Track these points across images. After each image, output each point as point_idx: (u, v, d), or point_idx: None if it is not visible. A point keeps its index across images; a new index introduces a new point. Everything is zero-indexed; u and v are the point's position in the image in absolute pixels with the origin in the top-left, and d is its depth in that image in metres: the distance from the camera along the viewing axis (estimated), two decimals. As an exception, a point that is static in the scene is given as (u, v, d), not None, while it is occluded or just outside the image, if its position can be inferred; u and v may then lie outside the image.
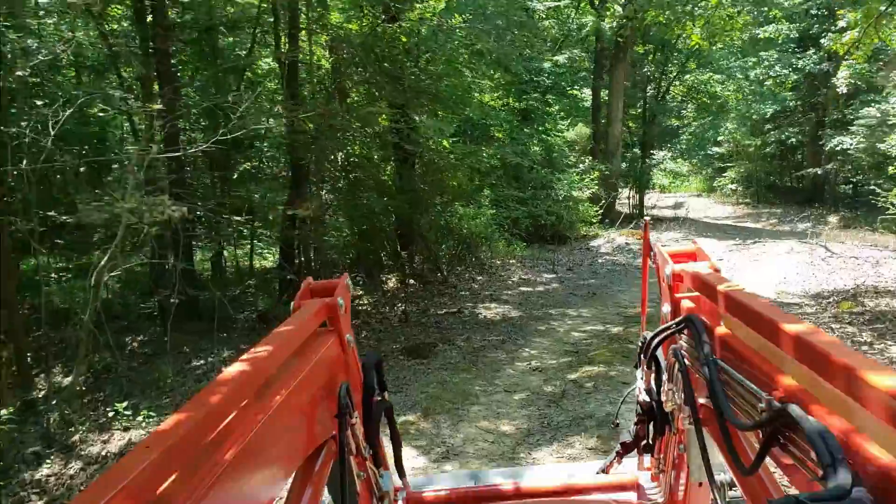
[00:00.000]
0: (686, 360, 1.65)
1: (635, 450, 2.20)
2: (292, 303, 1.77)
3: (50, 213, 7.79)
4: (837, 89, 19.88)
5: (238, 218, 11.54)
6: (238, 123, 7.04)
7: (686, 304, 1.79)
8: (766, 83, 22.95)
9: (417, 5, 12.15)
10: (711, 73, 24.01)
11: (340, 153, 10.73)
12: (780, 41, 21.89)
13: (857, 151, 19.32)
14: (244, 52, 10.67)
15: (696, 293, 1.77)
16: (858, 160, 20.12)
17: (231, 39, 11.14)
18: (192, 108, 9.06)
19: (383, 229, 12.38)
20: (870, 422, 0.91)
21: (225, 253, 12.66)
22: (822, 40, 18.63)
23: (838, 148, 19.84)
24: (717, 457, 1.52)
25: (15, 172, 7.06)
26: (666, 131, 26.02)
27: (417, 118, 10.47)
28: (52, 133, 6.75)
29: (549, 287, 12.67)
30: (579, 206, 17.78)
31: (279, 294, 10.62)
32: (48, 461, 6.10)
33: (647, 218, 2.84)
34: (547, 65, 18.04)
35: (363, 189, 11.36)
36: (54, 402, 7.14)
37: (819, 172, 22.01)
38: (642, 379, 2.09)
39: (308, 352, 1.57)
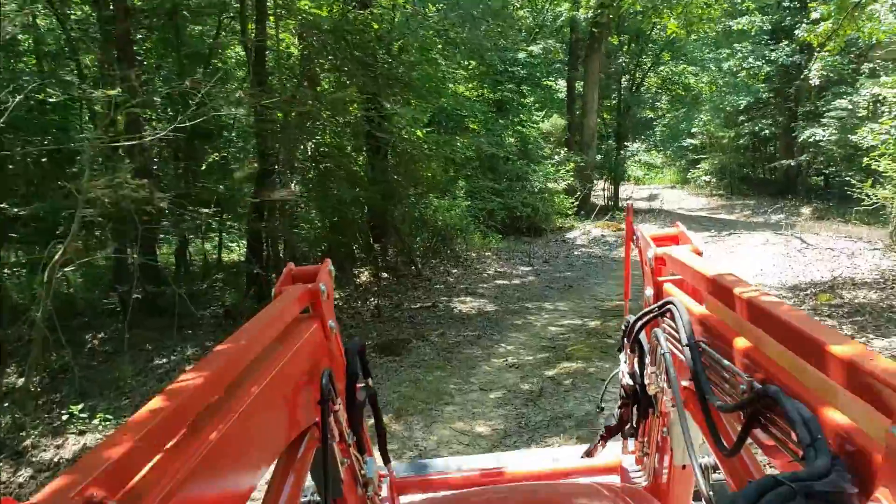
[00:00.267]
0: (669, 343, 1.63)
1: (619, 433, 2.22)
2: (273, 289, 1.74)
3: (1, 206, 7.36)
4: (810, 81, 19.98)
5: (206, 210, 11.20)
6: (198, 111, 6.66)
7: (669, 286, 1.80)
8: (739, 75, 22.97)
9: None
10: (685, 65, 23.97)
11: (310, 142, 10.38)
12: (753, 33, 21.90)
13: (829, 143, 19.41)
14: (210, 39, 10.29)
15: (679, 276, 1.78)
16: (830, 152, 20.22)
17: (199, 28, 10.77)
18: (152, 95, 8.63)
19: (355, 221, 12.07)
20: (849, 402, 0.91)
21: (192, 247, 12.31)
22: (797, 31, 18.62)
23: (811, 140, 19.91)
24: (701, 439, 1.53)
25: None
26: (640, 123, 25.97)
27: (389, 106, 10.14)
28: (1, 120, 6.34)
29: (525, 280, 12.46)
30: (555, 197, 17.65)
31: (246, 289, 10.26)
32: (-5, 468, 5.74)
33: (630, 202, 2.88)
34: (522, 55, 17.80)
35: (334, 180, 11.03)
36: (6, 404, 6.76)
37: (792, 164, 22.10)
38: (626, 362, 2.07)
39: (290, 338, 1.54)
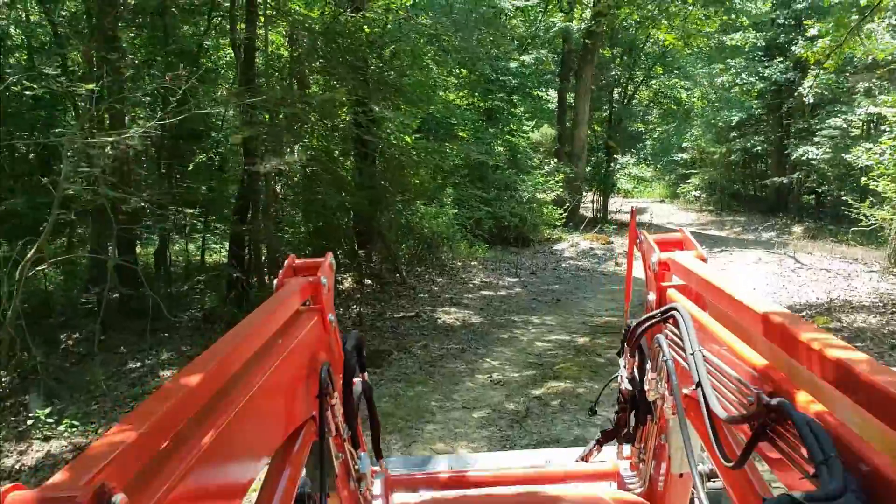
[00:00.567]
0: (671, 350, 1.60)
1: (616, 438, 2.22)
2: (275, 280, 1.76)
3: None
4: (804, 99, 19.97)
5: (191, 210, 10.95)
6: (179, 108, 6.42)
7: (672, 292, 1.78)
8: (732, 91, 22.94)
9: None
10: (678, 79, 23.92)
11: (297, 145, 10.14)
12: (746, 49, 21.91)
13: (822, 162, 19.36)
14: (199, 38, 10.07)
15: (683, 282, 1.77)
16: (823, 170, 20.18)
17: (188, 27, 10.56)
18: (136, 92, 8.38)
19: (340, 226, 11.84)
20: (862, 419, 0.88)
21: (176, 247, 12.05)
22: (793, 48, 18.61)
23: (804, 158, 19.86)
24: (698, 446, 1.51)
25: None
26: (631, 136, 25.90)
27: (377, 109, 9.93)
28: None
29: (511, 291, 12.26)
30: (543, 208, 17.50)
31: (226, 293, 9.99)
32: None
33: (634, 206, 2.84)
34: (513, 64, 17.66)
35: (321, 184, 10.80)
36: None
37: (784, 182, 22.06)
38: (625, 367, 2.06)
39: (290, 331, 1.55)
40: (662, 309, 1.68)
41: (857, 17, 11.35)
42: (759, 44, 22.10)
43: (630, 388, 2.01)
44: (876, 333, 8.29)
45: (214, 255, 12.40)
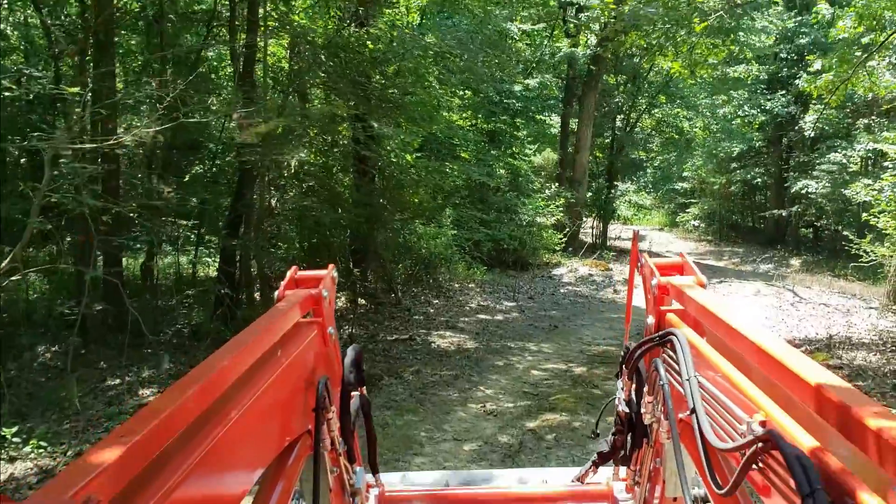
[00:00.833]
0: (667, 374, 1.61)
1: (612, 460, 2.22)
2: (276, 293, 1.75)
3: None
4: (805, 133, 19.89)
5: (184, 222, 10.68)
6: (168, 115, 6.16)
7: (671, 317, 1.79)
8: (734, 122, 22.87)
9: (387, 11, 11.52)
10: (680, 109, 23.86)
11: (294, 159, 9.92)
12: (749, 81, 21.88)
13: (820, 196, 19.26)
14: (193, 47, 9.89)
15: (681, 307, 1.78)
16: (821, 204, 20.06)
17: (189, 36, 10.41)
18: (127, 98, 8.17)
19: (335, 244, 11.57)
20: (850, 453, 0.91)
21: (169, 259, 11.78)
22: (796, 81, 18.55)
23: (803, 191, 19.74)
24: (692, 471, 1.51)
25: None
26: (632, 163, 25.79)
27: (376, 125, 9.72)
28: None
29: (508, 316, 11.97)
30: (543, 232, 17.29)
31: (214, 309, 9.68)
32: None
33: (637, 229, 2.87)
34: (518, 88, 17.54)
35: (316, 200, 10.56)
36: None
37: (783, 214, 21.92)
38: (622, 389, 2.06)
39: (289, 343, 1.54)
40: (660, 333, 1.68)
41: (859, 53, 11.27)
42: (761, 77, 22.10)
43: (627, 410, 2.01)
44: (877, 372, 8.08)
45: (208, 269, 12.12)
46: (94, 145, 5.99)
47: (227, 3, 9.59)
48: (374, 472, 2.21)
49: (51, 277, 9.67)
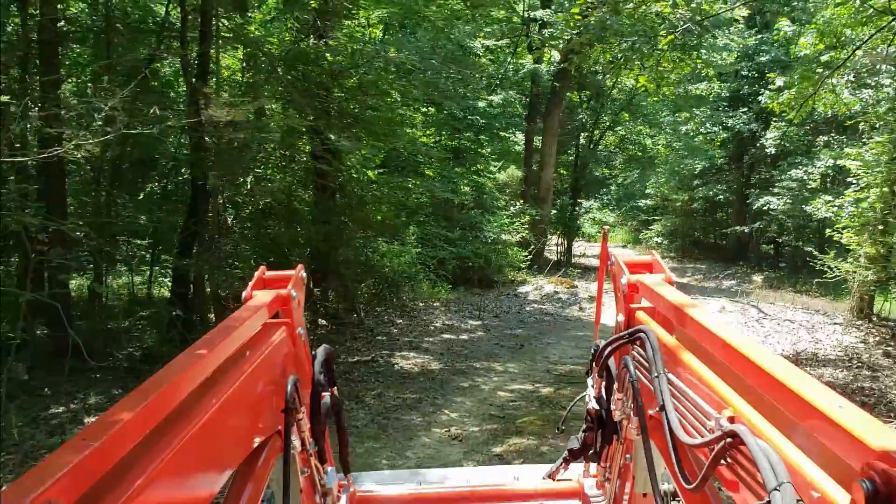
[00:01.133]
0: (637, 371, 1.61)
1: (582, 457, 2.24)
2: (244, 293, 1.72)
3: None
4: (766, 150, 20.11)
5: (138, 241, 10.23)
6: (108, 126, 5.79)
7: (640, 314, 1.79)
8: (696, 139, 23.08)
9: (346, 23, 11.27)
10: (643, 126, 24.02)
11: (249, 176, 9.55)
12: (711, 99, 22.12)
13: (781, 212, 19.45)
14: (143, 58, 9.50)
15: (651, 304, 1.79)
16: (781, 220, 20.27)
17: (142, 48, 10.04)
18: (72, 111, 7.75)
19: (294, 262, 11.18)
20: (817, 447, 0.92)
21: (123, 279, 11.31)
22: (758, 98, 18.76)
23: (765, 207, 19.92)
24: (662, 466, 1.50)
25: None
26: (596, 180, 25.88)
27: (335, 138, 9.41)
28: None
29: (473, 335, 11.69)
30: (508, 249, 17.12)
31: (167, 331, 9.24)
32: None
33: (607, 227, 2.98)
34: (481, 104, 17.43)
35: (274, 217, 10.19)
36: None
37: (745, 231, 22.10)
38: (592, 387, 2.06)
39: (258, 344, 1.53)
40: (630, 330, 1.69)
41: (820, 70, 11.36)
42: (723, 94, 22.36)
43: (597, 407, 2.01)
44: (845, 389, 8.03)
45: (163, 290, 11.65)
46: (28, 159, 5.58)
47: (178, 13, 9.24)
48: (346, 471, 2.18)
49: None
